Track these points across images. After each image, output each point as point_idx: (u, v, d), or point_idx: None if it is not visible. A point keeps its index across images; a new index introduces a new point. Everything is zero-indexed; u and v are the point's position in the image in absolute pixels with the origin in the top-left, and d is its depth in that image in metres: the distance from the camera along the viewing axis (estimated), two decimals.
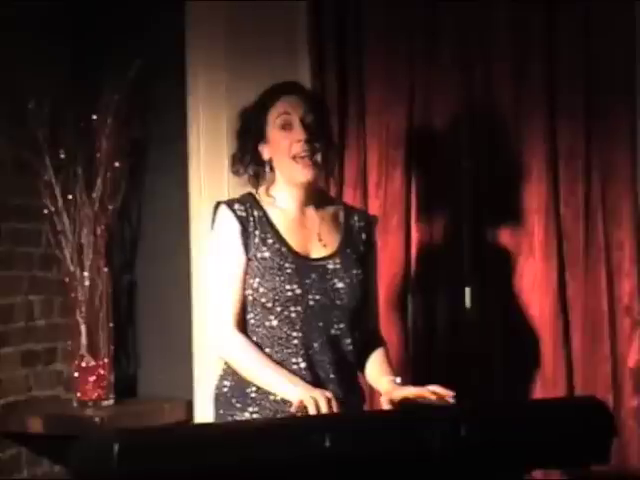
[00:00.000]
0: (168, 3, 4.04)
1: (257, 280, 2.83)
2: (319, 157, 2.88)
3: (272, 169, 2.92)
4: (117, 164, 4.00)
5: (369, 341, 2.98)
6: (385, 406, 2.77)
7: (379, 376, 2.91)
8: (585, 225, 3.74)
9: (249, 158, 2.93)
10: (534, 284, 3.76)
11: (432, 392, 2.73)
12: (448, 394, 2.72)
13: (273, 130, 2.89)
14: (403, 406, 2.76)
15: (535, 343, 3.73)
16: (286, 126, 2.87)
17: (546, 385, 3.72)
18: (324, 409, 2.64)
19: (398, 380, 2.85)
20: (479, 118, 3.84)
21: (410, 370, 3.81)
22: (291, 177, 2.89)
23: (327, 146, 2.93)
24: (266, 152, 2.92)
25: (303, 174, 2.86)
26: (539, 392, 3.73)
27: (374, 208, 3.86)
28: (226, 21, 4.00)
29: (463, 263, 3.84)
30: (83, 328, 3.97)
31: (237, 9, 3.99)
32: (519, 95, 3.80)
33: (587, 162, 3.75)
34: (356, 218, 2.99)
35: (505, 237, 3.81)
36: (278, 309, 2.82)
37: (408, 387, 2.81)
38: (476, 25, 3.85)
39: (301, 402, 2.65)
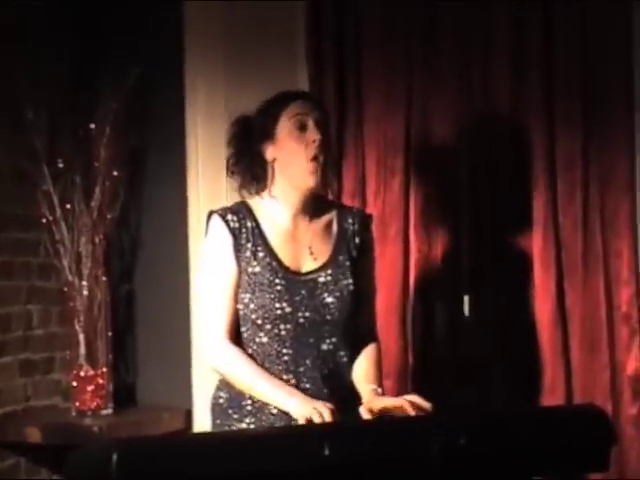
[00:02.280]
0: (166, 11, 4.04)
1: (248, 296, 2.82)
2: (325, 165, 2.86)
3: (273, 171, 2.87)
4: (115, 173, 4.00)
5: (362, 340, 2.94)
6: (364, 416, 2.76)
7: (362, 381, 2.89)
8: (583, 234, 3.75)
9: (248, 159, 2.88)
10: (533, 292, 3.76)
11: (410, 402, 2.71)
12: (426, 405, 2.71)
13: (285, 130, 2.84)
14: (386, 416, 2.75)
15: (534, 351, 3.73)
16: (301, 127, 2.83)
17: (545, 393, 3.72)
18: (328, 420, 2.63)
19: (379, 390, 2.85)
20: (477, 126, 3.84)
21: (409, 378, 3.81)
22: (297, 180, 2.85)
23: (329, 157, 2.92)
24: (271, 152, 2.86)
25: (310, 179, 2.83)
26: (538, 400, 3.73)
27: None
28: (224, 29, 4.00)
29: (462, 271, 3.84)
30: (81, 337, 3.96)
31: (235, 17, 3.99)
32: (517, 103, 3.81)
33: (585, 171, 3.75)
34: (350, 221, 2.94)
35: (504, 246, 3.81)
36: (268, 327, 2.81)
37: (386, 397, 2.81)
38: (474, 30, 3.85)
39: (307, 419, 2.63)
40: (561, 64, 3.77)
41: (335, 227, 2.94)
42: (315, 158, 2.82)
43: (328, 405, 2.66)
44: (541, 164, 3.77)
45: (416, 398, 2.73)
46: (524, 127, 3.80)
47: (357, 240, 2.94)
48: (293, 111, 2.84)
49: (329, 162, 2.92)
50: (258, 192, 2.91)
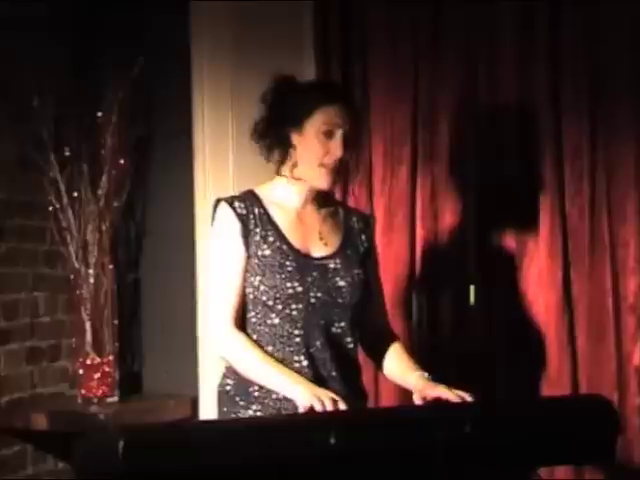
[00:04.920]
0: None
1: (258, 278, 2.82)
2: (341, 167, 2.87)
3: (295, 155, 2.85)
4: (122, 161, 4.00)
5: (381, 337, 2.97)
6: (418, 402, 2.77)
7: (406, 371, 2.89)
8: (590, 223, 3.75)
9: (274, 136, 2.86)
10: (539, 282, 3.76)
11: (461, 398, 2.73)
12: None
13: (313, 128, 2.82)
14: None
15: (540, 341, 3.73)
16: (329, 135, 2.81)
17: (551, 383, 3.72)
18: (329, 409, 2.64)
19: (426, 375, 2.84)
20: (484, 115, 3.84)
21: None
22: (310, 180, 2.85)
23: (352, 155, 2.92)
24: (295, 139, 2.85)
25: (323, 181, 2.84)
26: (544, 390, 3.73)
27: (379, 205, 3.87)
28: (231, 17, 4.00)
29: (468, 261, 3.84)
30: (88, 325, 3.97)
31: (242, 5, 3.99)
32: (524, 93, 3.81)
33: (592, 161, 3.75)
34: (355, 219, 2.97)
35: (510, 235, 3.81)
36: (279, 307, 2.82)
37: (440, 387, 2.78)
38: (480, 23, 3.85)
39: (310, 407, 2.64)
40: (568, 54, 3.76)
41: (342, 223, 2.96)
42: (331, 169, 2.83)
43: (330, 394, 2.67)
44: (548, 153, 3.77)
45: (466, 396, 2.74)
46: (531, 117, 3.79)
47: (363, 237, 2.96)
48: (328, 117, 2.82)
49: (349, 162, 2.92)
50: (284, 161, 2.88)
